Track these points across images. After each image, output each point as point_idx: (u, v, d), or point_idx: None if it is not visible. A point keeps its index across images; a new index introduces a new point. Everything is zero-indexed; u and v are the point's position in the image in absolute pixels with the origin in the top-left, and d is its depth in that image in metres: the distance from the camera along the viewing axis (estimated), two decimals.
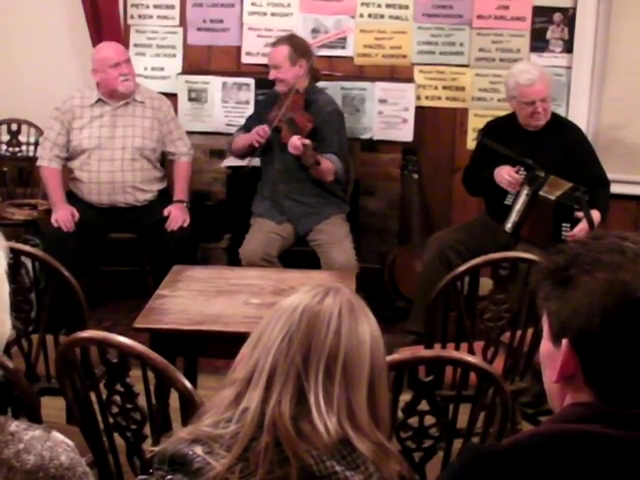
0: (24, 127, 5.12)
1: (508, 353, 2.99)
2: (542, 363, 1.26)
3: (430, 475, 2.17)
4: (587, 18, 4.71)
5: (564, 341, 1.18)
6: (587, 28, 4.72)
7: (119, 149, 4.41)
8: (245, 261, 4.13)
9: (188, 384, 2.03)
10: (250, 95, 4.92)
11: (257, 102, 4.82)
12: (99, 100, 4.44)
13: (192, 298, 3.17)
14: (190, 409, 1.90)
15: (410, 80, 4.89)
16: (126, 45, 4.90)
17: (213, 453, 1.34)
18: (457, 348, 2.94)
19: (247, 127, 4.45)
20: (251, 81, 4.92)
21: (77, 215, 4.35)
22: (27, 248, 3.01)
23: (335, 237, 4.19)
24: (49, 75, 5.09)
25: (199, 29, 5.08)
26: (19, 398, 2.12)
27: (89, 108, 4.43)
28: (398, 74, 4.96)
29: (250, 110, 4.82)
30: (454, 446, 2.17)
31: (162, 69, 5.13)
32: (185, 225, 4.40)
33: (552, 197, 3.95)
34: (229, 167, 4.81)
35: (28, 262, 2.96)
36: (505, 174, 4.05)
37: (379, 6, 4.92)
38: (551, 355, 1.21)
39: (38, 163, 4.51)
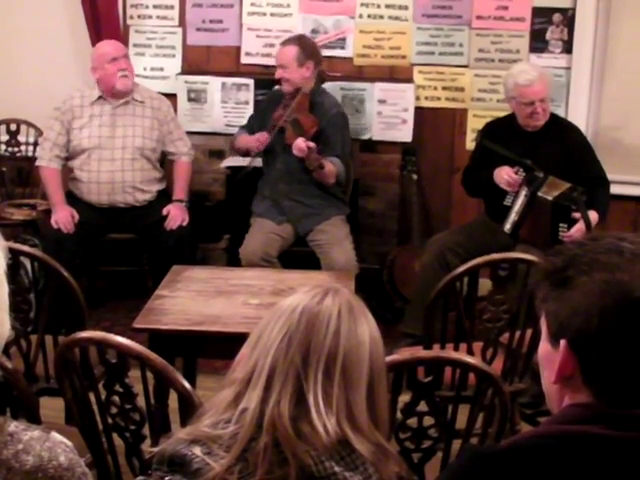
0: (23, 127, 5.12)
1: (507, 354, 2.99)
2: (540, 364, 1.26)
3: (429, 476, 2.17)
4: (586, 19, 4.71)
5: (562, 342, 1.18)
6: (586, 29, 4.72)
7: (119, 149, 4.41)
8: (245, 261, 4.13)
9: (187, 384, 2.03)
10: (249, 95, 4.92)
11: (258, 102, 4.82)
12: (99, 98, 4.44)
13: (191, 298, 3.17)
14: (189, 410, 1.90)
15: (409, 80, 4.89)
16: (125, 45, 4.90)
17: (212, 454, 1.34)
18: (456, 349, 2.94)
19: (250, 126, 4.48)
20: (250, 81, 4.92)
21: (77, 216, 4.35)
22: (26, 248, 3.01)
23: (335, 238, 4.19)
24: (48, 75, 5.09)
25: (198, 29, 5.08)
26: (18, 398, 2.12)
27: (89, 107, 4.43)
28: (397, 74, 4.96)
29: (249, 110, 4.83)
30: (453, 447, 2.17)
31: (161, 69, 5.13)
32: (184, 224, 4.40)
33: (550, 198, 3.95)
34: (228, 167, 4.81)
35: (27, 262, 2.96)
36: (504, 175, 4.05)
37: (378, 7, 4.92)
38: (549, 356, 1.21)
39: (37, 163, 4.51)
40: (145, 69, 5.10)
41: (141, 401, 2.15)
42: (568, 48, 4.79)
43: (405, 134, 4.82)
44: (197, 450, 1.34)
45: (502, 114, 4.37)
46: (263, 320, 1.45)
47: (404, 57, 4.95)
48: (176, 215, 4.41)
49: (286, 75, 4.26)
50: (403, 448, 2.14)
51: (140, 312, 3.03)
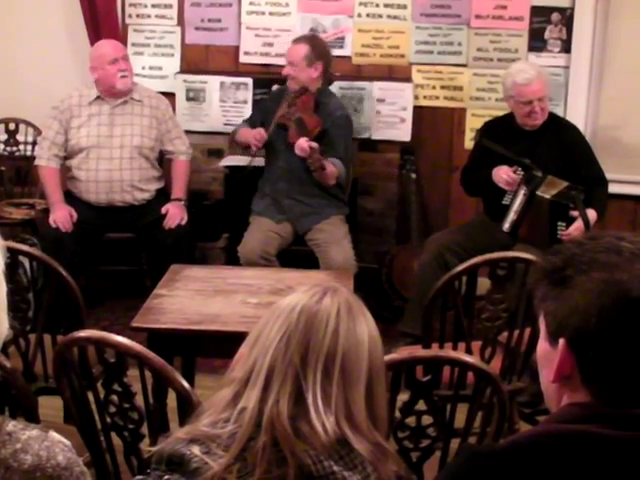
0: (22, 126, 5.11)
1: (505, 353, 2.99)
2: (539, 363, 1.26)
3: (427, 475, 2.17)
4: (585, 18, 4.71)
5: (561, 341, 1.18)
6: (585, 28, 4.72)
7: (117, 148, 4.41)
8: (243, 259, 4.13)
9: (186, 384, 2.02)
10: (248, 95, 4.92)
11: (257, 101, 4.83)
12: (97, 98, 4.43)
13: (190, 298, 3.17)
14: (188, 409, 1.90)
15: (408, 80, 4.89)
16: (124, 44, 4.89)
17: (211, 453, 1.34)
18: (455, 348, 2.94)
19: (252, 119, 4.50)
20: (249, 81, 4.92)
21: (75, 215, 4.35)
22: (25, 247, 3.01)
23: (334, 237, 4.19)
24: (47, 74, 5.09)
25: (197, 28, 5.08)
26: (16, 398, 2.12)
27: (87, 106, 4.43)
28: (396, 74, 4.96)
29: (248, 109, 4.83)
30: (451, 446, 2.17)
31: (160, 68, 5.12)
32: (183, 223, 4.40)
33: (548, 196, 3.95)
34: (227, 166, 4.81)
35: (26, 261, 2.96)
36: (503, 174, 4.05)
37: (377, 6, 4.92)
38: (548, 355, 1.21)
39: (36, 162, 4.51)
40: (144, 68, 5.09)
41: (140, 400, 2.15)
42: (567, 47, 4.79)
43: (404, 133, 4.82)
44: (196, 449, 1.34)
45: (501, 113, 4.37)
46: (262, 319, 1.45)
47: (403, 56, 4.95)
48: (175, 214, 4.40)
49: (293, 73, 4.26)
50: (402, 447, 2.14)
51: (139, 311, 3.03)
